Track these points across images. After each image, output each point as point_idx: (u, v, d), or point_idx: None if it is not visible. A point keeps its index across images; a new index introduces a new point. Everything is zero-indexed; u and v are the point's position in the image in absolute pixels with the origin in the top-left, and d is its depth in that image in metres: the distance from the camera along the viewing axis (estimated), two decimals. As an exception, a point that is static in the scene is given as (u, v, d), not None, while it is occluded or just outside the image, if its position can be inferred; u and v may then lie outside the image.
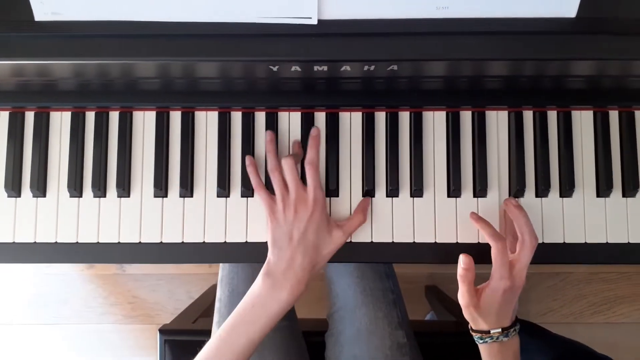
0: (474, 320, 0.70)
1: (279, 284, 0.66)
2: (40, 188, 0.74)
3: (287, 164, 0.70)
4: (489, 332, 0.68)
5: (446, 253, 0.73)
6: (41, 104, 0.75)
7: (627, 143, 0.75)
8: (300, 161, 0.72)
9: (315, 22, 0.60)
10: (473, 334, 0.71)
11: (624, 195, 0.74)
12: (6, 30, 0.61)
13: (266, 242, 0.72)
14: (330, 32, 0.61)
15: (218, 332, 0.66)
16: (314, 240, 0.68)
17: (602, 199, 0.74)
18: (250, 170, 0.73)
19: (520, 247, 0.68)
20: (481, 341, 0.70)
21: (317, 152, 0.72)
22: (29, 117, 0.75)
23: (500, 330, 0.68)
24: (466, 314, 0.70)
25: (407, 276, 1.50)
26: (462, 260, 0.68)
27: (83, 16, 0.60)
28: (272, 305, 0.66)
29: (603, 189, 0.74)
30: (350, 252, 0.74)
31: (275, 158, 0.72)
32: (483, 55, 0.61)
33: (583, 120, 0.75)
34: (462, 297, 0.69)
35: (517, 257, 0.68)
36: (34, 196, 0.75)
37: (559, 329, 0.90)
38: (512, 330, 0.69)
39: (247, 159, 0.73)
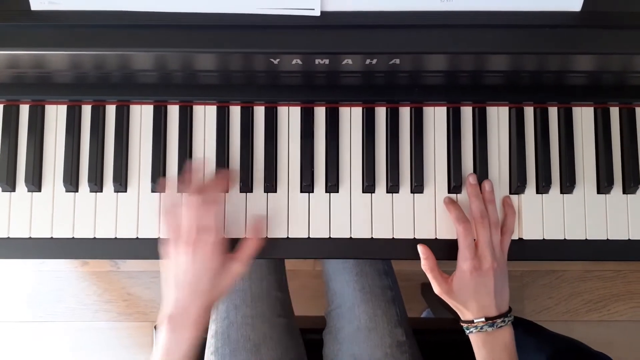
0: (458, 310, 0.71)
1: (180, 325, 0.65)
2: (35, 182, 0.73)
3: (190, 202, 0.67)
4: (473, 321, 0.69)
5: (447, 249, 0.72)
6: (36, 96, 0.74)
7: (628, 139, 0.75)
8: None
9: (318, 14, 0.59)
10: (462, 325, 0.71)
11: (624, 192, 0.74)
12: (2, 20, 0.60)
13: (265, 239, 0.72)
14: (333, 24, 0.60)
15: None
16: (211, 279, 0.66)
17: (603, 195, 0.74)
18: (162, 195, 0.72)
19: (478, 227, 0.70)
20: (467, 331, 0.70)
21: (222, 189, 0.70)
22: (24, 110, 0.74)
23: (483, 319, 0.68)
24: (450, 304, 0.71)
25: (403, 273, 1.49)
26: (420, 250, 0.71)
27: (80, 6, 0.59)
28: (180, 345, 0.64)
29: (604, 185, 0.74)
30: (349, 249, 0.74)
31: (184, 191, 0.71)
32: (487, 49, 0.60)
33: (584, 117, 0.75)
34: (435, 286, 0.71)
35: (477, 236, 0.69)
36: (29, 191, 0.73)
37: (554, 326, 0.90)
38: (499, 320, 0.68)
39: (161, 179, 0.72)
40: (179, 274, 0.66)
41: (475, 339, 0.69)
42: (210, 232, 0.66)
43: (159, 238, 0.73)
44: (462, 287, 0.69)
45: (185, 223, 0.67)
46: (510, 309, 0.71)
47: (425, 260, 0.71)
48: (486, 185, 0.73)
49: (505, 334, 0.69)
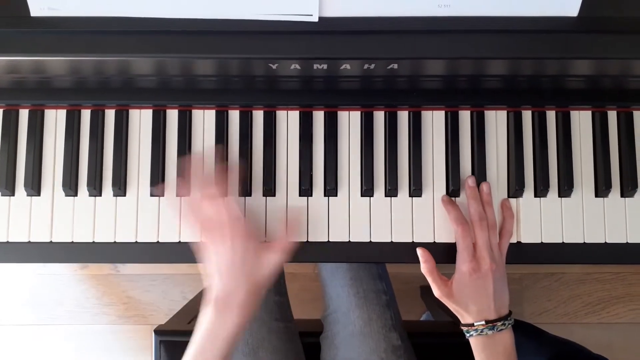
0: (458, 313, 0.71)
1: (226, 308, 0.65)
2: (34, 187, 0.73)
3: (210, 197, 0.68)
4: (473, 325, 0.69)
5: (445, 253, 0.72)
6: (36, 101, 0.74)
7: (626, 143, 0.75)
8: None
9: (316, 20, 0.59)
10: (462, 328, 0.71)
11: (622, 196, 0.74)
12: (2, 26, 0.60)
13: (263, 242, 0.72)
14: (331, 29, 0.60)
15: None
16: (249, 266, 0.66)
17: (601, 199, 0.74)
18: (182, 193, 0.72)
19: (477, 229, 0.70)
20: (467, 335, 0.70)
21: (215, 185, 0.70)
22: (23, 114, 0.74)
23: (483, 322, 0.68)
24: (450, 307, 0.71)
25: (402, 276, 1.50)
26: (420, 253, 0.72)
27: (80, 12, 0.60)
28: (223, 331, 0.64)
29: (601, 189, 0.74)
30: (348, 252, 0.74)
31: (212, 185, 0.70)
32: (485, 54, 0.60)
33: (582, 121, 0.75)
34: (434, 289, 0.71)
35: (475, 239, 0.69)
36: (28, 195, 0.73)
37: (553, 329, 0.90)
38: (499, 323, 0.68)
39: (179, 179, 0.72)
40: (219, 262, 0.66)
41: (476, 343, 0.69)
42: (239, 218, 0.67)
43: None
44: (461, 290, 0.69)
45: (213, 214, 0.67)
46: (510, 312, 0.70)
47: (425, 264, 0.71)
48: (484, 187, 0.73)
49: (506, 338, 0.69)
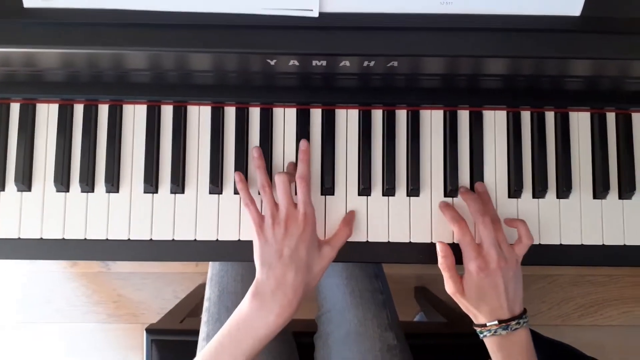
0: (470, 313, 0.70)
1: (267, 306, 0.64)
2: (25, 182, 0.71)
3: (280, 180, 0.68)
4: (486, 325, 0.67)
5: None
6: (27, 95, 0.72)
7: (624, 145, 0.75)
8: (293, 179, 0.71)
9: (317, 15, 0.58)
10: (475, 328, 0.69)
11: (620, 197, 0.74)
12: (-6, 17, 0.59)
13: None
14: (332, 25, 0.59)
15: (203, 351, 0.64)
16: (306, 258, 0.66)
17: (599, 200, 0.74)
18: (240, 187, 0.71)
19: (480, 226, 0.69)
20: (481, 335, 0.68)
21: (308, 166, 0.70)
22: (14, 108, 0.73)
23: (496, 322, 0.66)
24: (462, 307, 0.70)
25: (396, 277, 1.49)
26: (439, 248, 0.70)
27: (74, 3, 0.58)
28: (259, 327, 0.63)
29: (600, 190, 0.73)
30: (344, 252, 0.72)
31: (265, 174, 0.70)
32: (486, 52, 0.60)
33: (580, 122, 0.75)
34: (447, 284, 0.69)
35: (481, 236, 0.68)
36: (18, 190, 0.72)
37: (546, 331, 0.90)
38: (513, 323, 0.66)
39: (237, 175, 0.71)
40: (269, 253, 0.66)
41: (490, 343, 0.68)
42: (309, 205, 0.67)
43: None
44: (471, 289, 0.67)
45: (282, 199, 0.67)
46: (525, 311, 0.69)
47: (444, 259, 0.69)
48: (479, 187, 0.73)
49: (522, 336, 0.67)
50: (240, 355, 0.63)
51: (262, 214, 0.69)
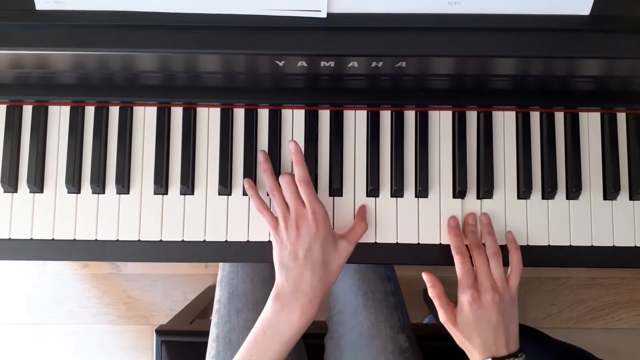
0: (464, 347, 0.69)
1: (289, 306, 0.64)
2: (37, 183, 0.72)
3: (285, 181, 0.68)
4: None
5: (451, 255, 0.71)
6: (39, 97, 0.73)
7: (635, 145, 0.74)
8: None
9: (325, 16, 0.59)
10: None
11: (631, 199, 0.74)
12: (7, 19, 0.59)
13: (267, 242, 0.71)
14: (340, 26, 0.59)
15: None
16: (321, 257, 0.66)
17: (609, 201, 0.74)
18: (251, 193, 0.71)
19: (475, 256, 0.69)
20: None
21: (304, 167, 0.69)
22: (27, 111, 0.74)
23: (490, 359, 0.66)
24: (456, 340, 0.70)
25: (405, 279, 1.48)
26: (426, 278, 0.70)
27: (85, 5, 0.59)
28: (284, 329, 0.64)
29: (610, 191, 0.73)
30: (353, 253, 0.73)
31: (272, 177, 0.70)
32: (495, 52, 0.60)
33: (590, 122, 0.75)
34: (440, 314, 0.69)
35: (475, 267, 0.68)
36: (31, 192, 0.73)
37: (557, 333, 0.89)
38: None
39: (246, 182, 0.71)
40: (286, 254, 0.66)
41: None
42: (315, 204, 0.67)
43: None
44: (464, 320, 0.67)
45: (290, 201, 0.67)
46: (520, 349, 0.67)
47: (432, 288, 0.70)
48: (483, 218, 0.72)
49: None
50: None
51: (276, 216, 0.69)
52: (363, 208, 0.73)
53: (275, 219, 0.69)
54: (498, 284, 0.67)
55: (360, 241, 0.72)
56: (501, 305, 0.66)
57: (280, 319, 0.64)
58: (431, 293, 0.70)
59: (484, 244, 0.70)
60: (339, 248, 0.68)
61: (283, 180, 0.69)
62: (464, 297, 0.67)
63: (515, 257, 0.70)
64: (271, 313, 0.65)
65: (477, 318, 0.66)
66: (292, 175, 0.69)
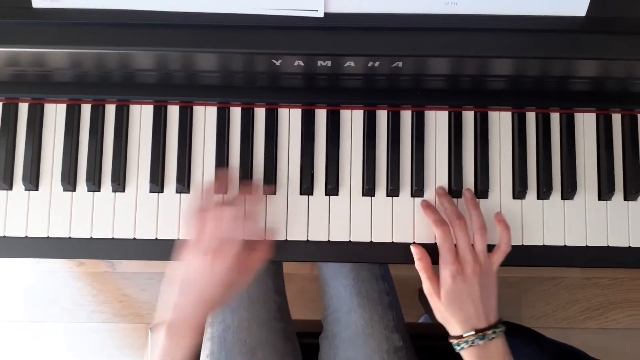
0: (445, 321, 0.69)
1: (179, 332, 0.64)
2: (32, 181, 0.72)
3: (226, 213, 0.66)
4: (462, 336, 0.67)
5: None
6: (35, 95, 0.73)
7: (630, 146, 0.74)
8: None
9: (322, 15, 0.59)
10: (451, 341, 0.69)
11: (625, 199, 0.74)
12: (3, 17, 0.59)
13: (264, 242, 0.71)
14: (336, 25, 0.59)
15: None
16: (224, 295, 0.66)
17: (604, 202, 0.74)
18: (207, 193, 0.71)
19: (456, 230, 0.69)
20: (458, 347, 0.67)
21: (257, 203, 0.70)
22: (23, 108, 0.74)
23: (473, 332, 0.66)
24: (436, 313, 0.70)
25: (400, 278, 1.48)
26: (414, 251, 0.71)
27: (82, 3, 0.59)
28: (180, 352, 0.63)
29: (605, 192, 0.73)
30: (348, 252, 0.73)
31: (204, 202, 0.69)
32: (491, 53, 0.60)
33: (586, 123, 0.75)
34: (425, 286, 0.70)
35: (456, 240, 0.69)
36: (26, 189, 0.73)
37: (552, 333, 0.90)
38: (490, 332, 0.66)
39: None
40: (188, 279, 0.65)
41: (468, 355, 0.67)
42: (233, 246, 0.65)
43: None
44: (448, 292, 0.67)
45: (210, 232, 0.65)
46: (500, 320, 0.68)
47: (419, 261, 0.70)
48: (467, 193, 0.73)
49: (499, 345, 0.66)
50: None
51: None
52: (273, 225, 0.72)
53: (200, 235, 0.66)
54: (480, 258, 0.68)
55: (355, 241, 0.73)
56: (482, 278, 0.67)
57: (172, 344, 0.63)
58: (418, 265, 0.70)
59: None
60: (238, 284, 0.67)
61: (222, 210, 0.66)
62: (446, 272, 0.67)
63: (505, 237, 0.70)
64: (164, 340, 0.64)
65: (460, 291, 0.67)
66: (232, 208, 0.67)
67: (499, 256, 0.69)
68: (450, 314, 0.68)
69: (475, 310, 0.67)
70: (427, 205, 0.72)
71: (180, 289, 0.65)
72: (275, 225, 0.73)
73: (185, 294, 0.64)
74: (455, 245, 0.69)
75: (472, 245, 0.69)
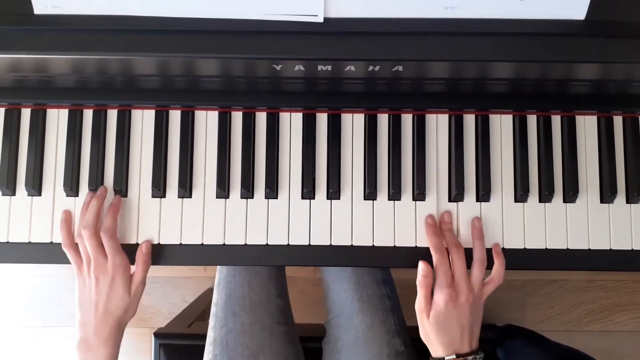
0: (429, 341, 0.70)
1: (94, 345, 0.70)
2: (35, 186, 0.72)
3: (85, 235, 0.70)
4: (444, 359, 0.68)
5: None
6: (38, 100, 0.73)
7: (631, 149, 0.74)
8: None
9: (321, 20, 0.59)
10: None
11: (627, 202, 0.74)
12: (5, 24, 0.60)
13: (265, 245, 0.72)
14: (336, 30, 0.60)
15: None
16: (117, 305, 0.71)
17: (606, 205, 0.74)
18: (61, 227, 0.72)
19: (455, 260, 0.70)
20: None
21: (114, 219, 0.71)
22: (25, 113, 0.74)
23: (454, 356, 0.68)
24: (421, 330, 0.71)
25: (403, 281, 1.48)
26: (421, 267, 0.70)
27: (83, 10, 0.59)
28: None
29: (607, 195, 0.73)
30: (350, 256, 0.73)
31: (80, 224, 0.71)
32: (491, 57, 0.60)
33: (587, 126, 0.75)
34: (419, 302, 0.70)
35: (453, 267, 0.69)
36: (29, 195, 0.73)
37: (556, 336, 0.89)
38: (470, 358, 0.68)
39: (64, 213, 0.73)
40: (84, 298, 0.71)
41: None
42: (116, 256, 0.70)
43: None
44: (437, 314, 0.68)
45: (84, 252, 0.71)
46: (479, 348, 0.70)
47: (424, 278, 0.70)
48: (475, 222, 0.73)
49: None
50: None
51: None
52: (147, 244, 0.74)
53: (81, 260, 0.71)
54: (474, 288, 0.69)
55: (357, 245, 0.73)
56: (473, 307, 0.68)
57: (87, 357, 0.71)
58: (420, 282, 0.70)
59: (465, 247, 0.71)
60: (134, 294, 0.73)
61: (84, 233, 0.69)
62: (440, 295, 0.68)
63: (499, 270, 0.71)
64: (79, 356, 0.71)
65: (450, 316, 0.68)
66: (90, 227, 0.69)
67: (490, 287, 0.70)
68: (435, 335, 0.69)
69: (461, 335, 0.68)
70: (430, 226, 0.72)
71: (79, 308, 0.72)
72: (277, 230, 0.73)
73: (84, 311, 0.71)
74: (450, 269, 0.70)
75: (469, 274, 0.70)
